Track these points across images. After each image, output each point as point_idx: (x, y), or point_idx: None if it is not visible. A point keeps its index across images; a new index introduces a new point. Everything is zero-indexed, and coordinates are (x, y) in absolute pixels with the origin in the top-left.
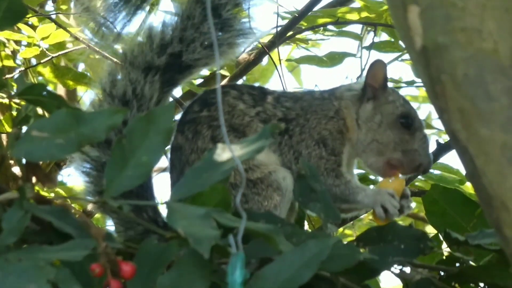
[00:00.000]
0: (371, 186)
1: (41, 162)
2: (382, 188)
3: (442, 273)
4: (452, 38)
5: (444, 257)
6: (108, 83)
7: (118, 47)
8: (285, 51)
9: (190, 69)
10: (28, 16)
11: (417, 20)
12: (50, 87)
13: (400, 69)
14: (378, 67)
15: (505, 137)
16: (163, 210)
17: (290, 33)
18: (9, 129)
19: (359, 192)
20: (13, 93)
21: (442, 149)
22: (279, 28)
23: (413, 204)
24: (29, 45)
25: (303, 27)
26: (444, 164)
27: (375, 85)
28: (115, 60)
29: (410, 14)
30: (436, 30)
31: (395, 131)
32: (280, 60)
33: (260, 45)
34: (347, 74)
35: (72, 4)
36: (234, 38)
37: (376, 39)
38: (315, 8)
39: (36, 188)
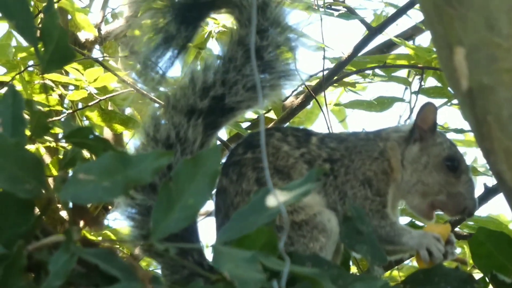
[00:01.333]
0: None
1: (89, 205)
2: (428, 232)
3: None
4: (497, 79)
5: None
6: (152, 127)
7: (162, 90)
8: (332, 95)
9: (233, 112)
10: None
11: (462, 61)
12: (96, 131)
13: (447, 115)
14: (429, 110)
15: None
16: (208, 254)
17: (336, 77)
18: (56, 173)
19: (405, 234)
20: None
21: (490, 192)
22: (326, 72)
23: (457, 250)
24: (76, 88)
25: (350, 71)
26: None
27: (424, 127)
28: (160, 103)
29: (456, 56)
30: (481, 71)
31: (441, 173)
32: (326, 103)
33: (306, 89)
34: (397, 119)
35: (119, 48)
36: (277, 80)
37: (424, 84)
38: (361, 53)
39: (83, 231)
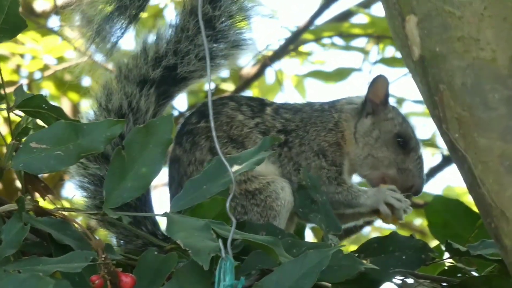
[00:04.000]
0: None
1: (46, 176)
2: (382, 186)
3: (444, 284)
4: (450, 47)
5: (446, 268)
6: (104, 97)
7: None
8: (290, 65)
9: (185, 81)
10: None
11: (414, 30)
12: (55, 102)
13: (406, 85)
14: (380, 83)
15: (503, 146)
16: (162, 224)
17: (293, 46)
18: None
19: (361, 195)
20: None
21: (446, 161)
22: (282, 41)
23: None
24: (33, 58)
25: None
26: None
27: (376, 100)
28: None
29: (408, 24)
30: (433, 39)
31: (391, 149)
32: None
33: (262, 58)
34: (351, 89)
35: (76, 18)
36: (229, 49)
37: (382, 53)
38: (318, 23)
39: (39, 200)
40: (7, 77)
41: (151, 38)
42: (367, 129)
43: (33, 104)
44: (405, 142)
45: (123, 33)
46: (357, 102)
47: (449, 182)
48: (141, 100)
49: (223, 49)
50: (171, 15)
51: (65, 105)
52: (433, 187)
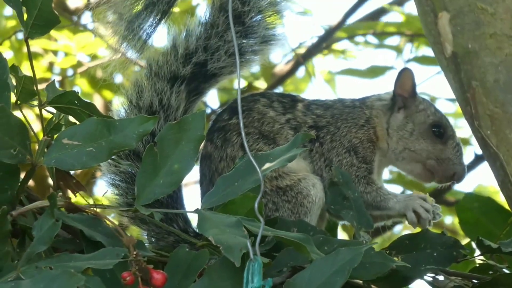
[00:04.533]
0: None
1: (78, 172)
2: (413, 193)
3: (475, 281)
4: (482, 44)
5: (477, 265)
6: (134, 94)
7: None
8: (323, 62)
9: (215, 78)
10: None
11: (447, 27)
12: (88, 99)
13: (441, 83)
14: (405, 76)
15: None
16: (194, 222)
17: (326, 43)
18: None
19: (391, 198)
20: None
21: (479, 159)
22: (315, 39)
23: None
24: (66, 55)
25: (341, 38)
26: None
27: (404, 94)
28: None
29: (440, 20)
30: (466, 36)
31: (428, 140)
32: (312, 71)
33: (296, 55)
34: (384, 87)
35: (108, 15)
36: (259, 45)
37: (415, 52)
38: (351, 21)
39: (70, 197)
40: (40, 74)
41: (181, 34)
42: (401, 123)
43: (65, 100)
44: (441, 131)
45: (153, 30)
46: (386, 99)
47: (481, 181)
48: (172, 97)
49: (252, 44)
50: (202, 12)
51: (98, 103)
52: (466, 186)
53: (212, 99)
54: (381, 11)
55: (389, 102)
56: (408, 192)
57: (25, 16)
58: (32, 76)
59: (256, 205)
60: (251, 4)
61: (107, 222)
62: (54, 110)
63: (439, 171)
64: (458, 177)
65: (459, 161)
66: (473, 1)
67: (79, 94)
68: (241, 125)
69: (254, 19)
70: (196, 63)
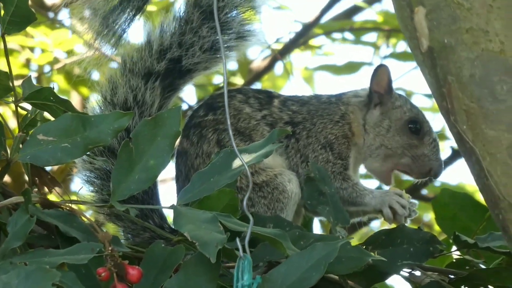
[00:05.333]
0: None
1: (55, 169)
2: (389, 190)
3: (451, 276)
4: (458, 39)
5: (453, 261)
6: (109, 91)
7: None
8: (300, 58)
9: (190, 74)
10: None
11: (423, 21)
12: (65, 96)
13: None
14: (381, 73)
15: (511, 138)
16: (171, 218)
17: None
18: None
19: (367, 194)
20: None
21: (457, 154)
22: (292, 35)
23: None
24: (42, 52)
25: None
26: None
27: (381, 90)
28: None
29: (416, 15)
30: (442, 31)
31: (404, 136)
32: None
33: (273, 51)
34: (361, 83)
35: (85, 11)
36: (234, 41)
37: (392, 47)
38: (328, 18)
39: (46, 193)
40: (17, 70)
41: (156, 30)
42: (377, 119)
43: (40, 96)
44: (418, 128)
45: (128, 26)
46: (362, 95)
47: (461, 180)
48: (147, 93)
49: (228, 40)
50: (176, 8)
51: (75, 99)
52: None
53: (189, 95)
54: (357, 9)
55: (366, 98)
56: (385, 188)
57: (2, 12)
58: (8, 72)
59: (244, 204)
60: (226, 0)
61: (83, 218)
62: (30, 107)
63: (413, 168)
64: (435, 173)
65: (435, 157)
66: None
67: (56, 91)
68: (228, 122)
69: (229, 14)
70: (170, 59)
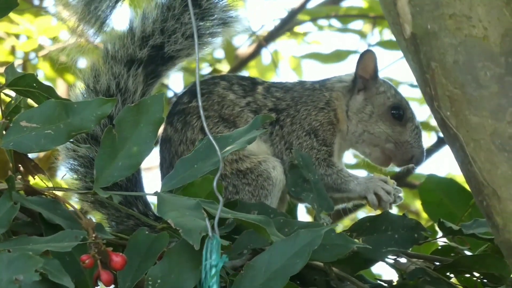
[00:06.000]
0: None
1: (41, 155)
2: (374, 175)
3: (437, 263)
4: (442, 25)
5: (439, 248)
6: (91, 79)
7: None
8: (287, 45)
9: (173, 60)
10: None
11: (406, 7)
12: (51, 83)
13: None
14: (368, 58)
15: (495, 124)
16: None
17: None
18: None
19: (351, 180)
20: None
21: (441, 142)
22: (277, 21)
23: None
24: (28, 39)
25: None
26: None
27: (366, 76)
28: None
29: (399, 1)
30: (425, 17)
31: (387, 122)
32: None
33: (258, 38)
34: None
35: None
36: (216, 27)
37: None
38: (314, 5)
39: (29, 180)
40: (2, 58)
41: (138, 17)
42: (360, 105)
43: (23, 83)
44: (400, 114)
45: (110, 12)
46: (347, 80)
47: (451, 171)
48: (129, 80)
49: (209, 27)
50: None
51: (61, 87)
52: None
53: (177, 81)
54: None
55: (350, 84)
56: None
57: None
58: None
59: (215, 185)
60: None
61: (66, 205)
62: (13, 94)
63: (397, 154)
64: (417, 160)
65: (417, 144)
66: None
67: (42, 78)
68: (201, 110)
69: (211, 1)
70: (153, 46)
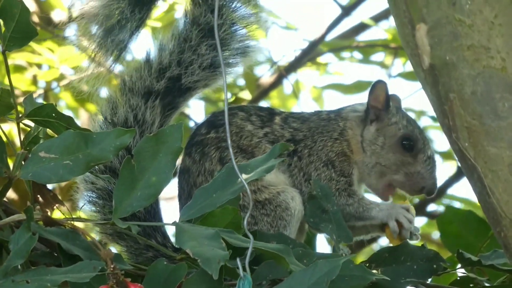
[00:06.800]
0: None
1: (63, 185)
2: (396, 203)
3: None
4: (460, 56)
5: (458, 278)
6: (109, 111)
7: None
8: (309, 75)
9: (190, 92)
10: (43, 38)
11: (424, 38)
12: (72, 113)
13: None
14: (379, 88)
15: None
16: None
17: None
18: None
19: (373, 207)
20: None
21: (461, 172)
22: (298, 52)
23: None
24: (49, 68)
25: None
26: None
27: (378, 105)
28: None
29: (418, 32)
30: (443, 48)
31: (397, 153)
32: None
33: (279, 68)
34: None
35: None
36: (232, 57)
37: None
38: (335, 35)
39: (48, 210)
40: (25, 87)
41: (155, 49)
42: (372, 136)
43: (42, 113)
44: (411, 144)
45: (127, 44)
46: (360, 110)
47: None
48: (147, 112)
49: (227, 57)
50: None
51: (83, 116)
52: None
53: (198, 110)
54: (364, 26)
55: (363, 114)
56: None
57: (3, 28)
58: (9, 89)
59: (245, 222)
60: (224, 17)
61: (85, 235)
62: (32, 124)
63: (406, 185)
64: (428, 191)
65: (429, 175)
66: (450, 13)
67: (63, 108)
68: (228, 139)
69: (228, 31)
70: (170, 78)
